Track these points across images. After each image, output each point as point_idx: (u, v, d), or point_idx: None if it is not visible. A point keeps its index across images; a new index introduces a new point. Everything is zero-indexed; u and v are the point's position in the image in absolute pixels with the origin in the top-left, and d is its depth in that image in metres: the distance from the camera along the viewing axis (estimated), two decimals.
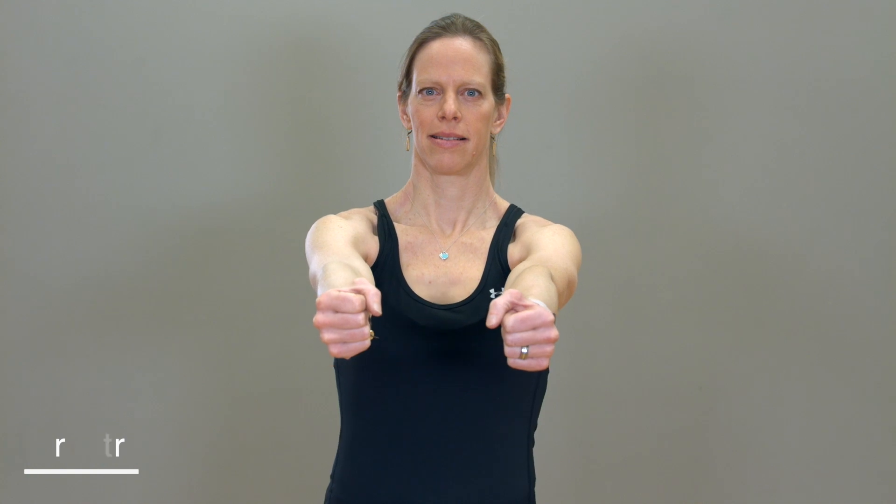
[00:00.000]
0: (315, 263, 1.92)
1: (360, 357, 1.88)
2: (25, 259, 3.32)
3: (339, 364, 2.09)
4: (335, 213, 2.14)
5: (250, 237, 3.31)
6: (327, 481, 2.17)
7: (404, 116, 2.08)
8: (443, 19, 2.07)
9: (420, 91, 2.02)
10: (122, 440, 3.34)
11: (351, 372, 2.05)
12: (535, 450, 2.16)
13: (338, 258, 1.88)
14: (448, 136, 2.02)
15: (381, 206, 2.14)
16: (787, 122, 3.28)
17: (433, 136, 2.03)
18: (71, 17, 3.30)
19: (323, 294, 1.62)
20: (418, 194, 2.11)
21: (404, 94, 2.09)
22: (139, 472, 3.34)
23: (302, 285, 3.16)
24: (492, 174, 2.17)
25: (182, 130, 3.31)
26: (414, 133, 2.07)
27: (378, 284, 1.96)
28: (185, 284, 3.33)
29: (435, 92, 2.02)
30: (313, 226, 2.05)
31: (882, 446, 3.30)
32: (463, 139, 2.03)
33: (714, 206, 3.29)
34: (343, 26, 3.26)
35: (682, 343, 3.30)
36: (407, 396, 2.00)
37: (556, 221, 2.14)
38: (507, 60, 2.14)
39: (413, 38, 2.10)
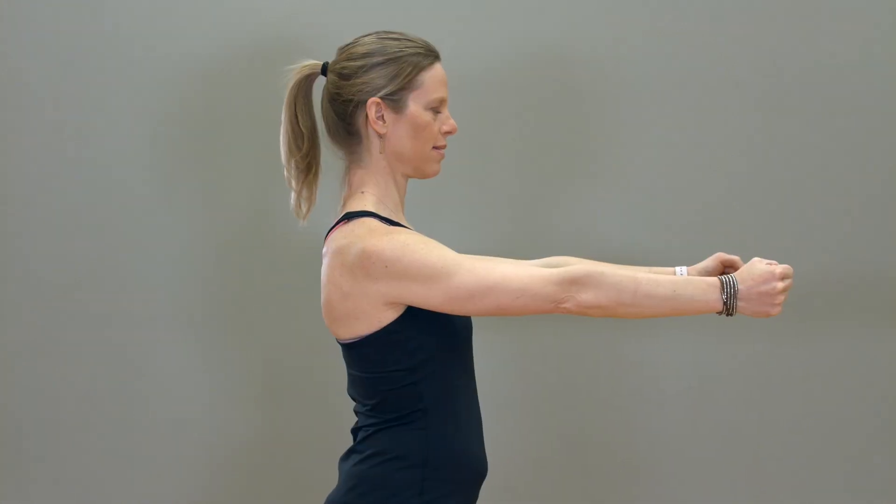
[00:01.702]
0: (506, 266, 2.13)
1: (453, 334, 2.14)
2: (25, 259, 3.33)
3: (418, 349, 2.12)
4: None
5: (250, 237, 3.33)
6: (327, 483, 2.18)
7: (380, 122, 2.15)
8: (425, 43, 2.22)
9: (431, 108, 2.20)
10: (124, 440, 3.36)
11: (446, 361, 2.16)
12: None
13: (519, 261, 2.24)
14: (444, 147, 2.24)
15: (383, 219, 2.18)
16: (783, 121, 3.31)
17: (436, 147, 2.22)
18: (71, 17, 3.31)
19: (783, 266, 2.06)
20: (390, 195, 2.21)
21: (394, 103, 2.16)
22: (139, 472, 3.36)
23: (301, 285, 3.18)
24: None
25: (181, 130, 3.32)
26: (406, 140, 2.17)
27: None
28: (185, 284, 3.34)
29: (438, 109, 2.22)
30: (424, 249, 2.09)
31: (876, 445, 3.32)
32: None
33: (705, 204, 3.31)
34: (345, 26, 3.28)
35: (676, 343, 3.32)
36: (466, 366, 2.20)
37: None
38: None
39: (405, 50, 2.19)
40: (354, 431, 2.17)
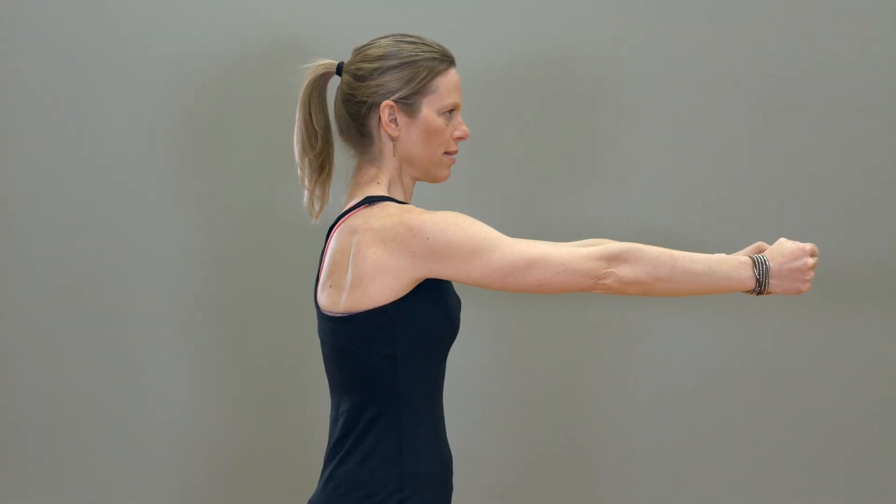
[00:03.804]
0: (547, 247, 2.11)
1: (446, 331, 2.16)
2: (25, 259, 3.34)
3: (405, 338, 2.13)
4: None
5: (250, 237, 3.33)
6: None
7: (393, 125, 2.17)
8: (441, 48, 2.24)
9: (446, 112, 2.23)
10: (124, 440, 3.36)
11: (432, 355, 2.17)
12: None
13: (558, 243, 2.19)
14: (455, 152, 2.26)
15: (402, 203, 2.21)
16: (783, 121, 3.32)
17: (447, 153, 2.25)
18: (71, 17, 3.31)
19: (810, 244, 2.15)
20: (397, 196, 2.24)
21: (407, 107, 2.18)
22: (139, 472, 3.36)
23: (301, 285, 3.19)
24: None
25: (182, 130, 3.33)
26: (418, 144, 2.21)
27: None
28: (185, 284, 3.35)
29: (451, 115, 2.24)
30: (466, 222, 2.12)
31: (874, 446, 3.32)
32: None
33: (705, 204, 3.32)
34: (345, 26, 3.29)
35: (677, 341, 3.32)
36: (442, 366, 2.21)
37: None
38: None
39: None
40: (332, 423, 2.19)
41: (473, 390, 3.31)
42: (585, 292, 2.10)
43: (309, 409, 3.31)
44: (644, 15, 3.30)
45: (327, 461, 2.17)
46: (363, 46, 2.22)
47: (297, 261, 3.24)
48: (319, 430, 3.20)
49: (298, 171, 2.23)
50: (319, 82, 2.23)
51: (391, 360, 2.12)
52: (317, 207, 2.25)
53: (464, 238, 2.08)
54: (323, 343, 2.18)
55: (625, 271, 2.07)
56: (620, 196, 3.32)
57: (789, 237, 3.29)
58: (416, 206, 2.21)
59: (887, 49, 3.28)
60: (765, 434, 3.33)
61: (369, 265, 2.08)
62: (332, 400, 2.20)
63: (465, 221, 2.10)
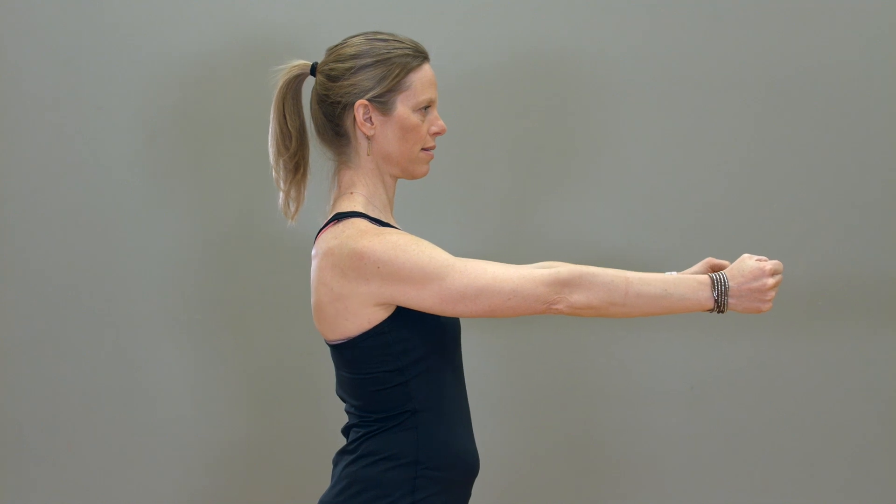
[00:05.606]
0: (499, 269, 2.08)
1: (442, 334, 2.16)
2: (25, 259, 3.34)
3: (407, 350, 2.13)
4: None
5: (251, 237, 3.33)
6: (325, 482, 2.19)
7: (368, 124, 2.16)
8: (414, 43, 2.23)
9: (421, 108, 2.21)
10: (124, 440, 3.36)
11: (437, 361, 2.17)
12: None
13: (517, 265, 2.14)
14: (433, 148, 2.24)
15: (373, 220, 2.19)
16: (783, 121, 3.32)
17: (424, 149, 2.23)
18: (71, 17, 3.32)
19: (772, 262, 2.08)
20: (378, 196, 2.23)
21: (382, 105, 2.17)
22: (139, 472, 3.36)
23: (300, 286, 3.19)
24: None
25: (183, 130, 3.33)
26: (394, 142, 2.20)
27: None
28: (185, 284, 3.35)
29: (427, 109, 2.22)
30: (416, 249, 2.10)
31: (875, 446, 3.32)
32: None
33: (704, 205, 3.32)
34: (345, 26, 3.29)
35: (675, 343, 3.32)
36: (455, 365, 2.21)
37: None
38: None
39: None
40: (345, 431, 2.18)
41: (470, 392, 3.30)
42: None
43: (311, 408, 3.32)
44: (644, 15, 3.30)
45: (338, 461, 2.17)
46: (336, 46, 2.21)
47: (298, 261, 3.24)
48: (322, 430, 3.21)
49: (273, 173, 2.22)
50: (294, 83, 2.22)
51: (397, 372, 2.12)
52: (292, 208, 2.24)
53: (414, 266, 2.07)
54: (332, 358, 2.18)
55: (576, 297, 2.05)
56: (620, 196, 3.32)
57: (788, 237, 3.30)
58: (394, 221, 2.21)
59: (887, 49, 3.28)
60: (764, 434, 3.33)
61: (336, 292, 2.09)
62: (345, 403, 2.19)
63: (414, 248, 2.08)
